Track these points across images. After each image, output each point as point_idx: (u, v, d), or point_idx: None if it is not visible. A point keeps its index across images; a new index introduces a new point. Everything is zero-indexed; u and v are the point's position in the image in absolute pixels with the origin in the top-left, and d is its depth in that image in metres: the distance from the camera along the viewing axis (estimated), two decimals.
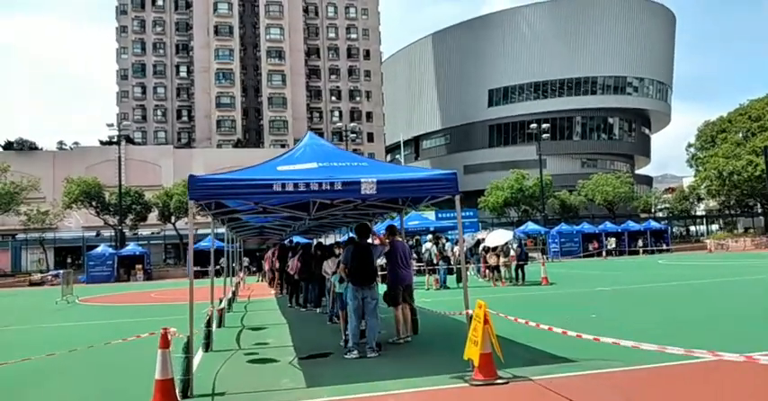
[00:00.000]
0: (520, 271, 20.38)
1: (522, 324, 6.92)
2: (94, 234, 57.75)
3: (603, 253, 46.12)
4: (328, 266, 11.88)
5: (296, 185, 6.84)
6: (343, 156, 8.06)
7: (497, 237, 20.48)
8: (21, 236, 54.69)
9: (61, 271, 47.84)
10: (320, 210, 9.71)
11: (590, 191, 60.09)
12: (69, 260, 56.54)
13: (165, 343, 5.92)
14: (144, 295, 24.66)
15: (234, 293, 18.82)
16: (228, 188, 6.71)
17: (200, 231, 40.83)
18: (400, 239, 9.72)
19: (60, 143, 71.66)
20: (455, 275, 20.56)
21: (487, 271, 21.55)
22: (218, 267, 30.26)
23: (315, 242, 19.27)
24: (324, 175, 7.06)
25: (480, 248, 21.15)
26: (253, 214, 10.01)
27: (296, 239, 28.85)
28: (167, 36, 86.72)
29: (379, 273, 8.96)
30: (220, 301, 12.19)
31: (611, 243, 48.81)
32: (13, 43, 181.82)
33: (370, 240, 8.74)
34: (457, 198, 7.35)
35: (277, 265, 20.32)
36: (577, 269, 28.68)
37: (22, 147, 67.34)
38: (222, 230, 19.74)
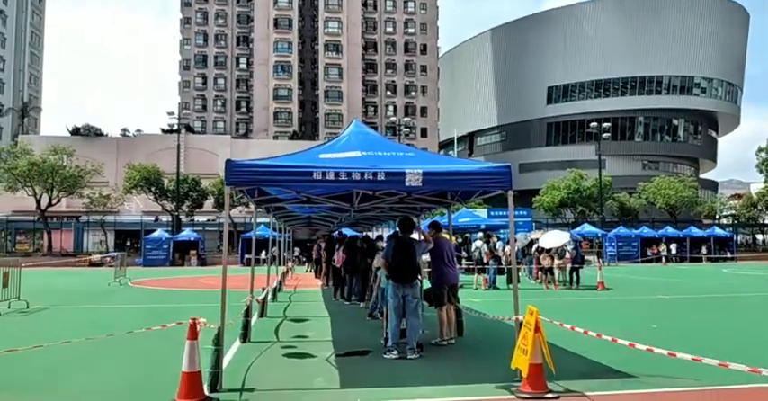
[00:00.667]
0: (575, 275, 19.52)
1: (579, 332, 6.33)
2: (153, 219, 59.31)
3: (663, 259, 44.26)
4: (377, 260, 11.52)
5: (337, 174, 6.44)
6: (389, 146, 7.62)
7: (553, 238, 19.63)
8: (84, 218, 56.69)
9: (117, 253, 49.85)
10: (363, 202, 9.28)
11: (651, 194, 57.75)
12: (129, 243, 58.29)
13: (194, 334, 5.64)
14: (194, 280, 24.95)
15: (280, 283, 18.71)
16: (267, 174, 6.37)
17: (254, 220, 41.23)
18: (446, 236, 9.22)
19: (124, 130, 73.95)
20: (505, 276, 19.87)
21: (540, 272, 20.76)
22: (267, 256, 30.54)
23: (363, 234, 18.96)
24: (367, 165, 6.64)
25: (533, 249, 20.37)
26: (297, 203, 9.69)
27: (345, 231, 28.74)
28: (228, 28, 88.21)
29: (424, 271, 8.50)
30: (263, 291, 11.98)
31: (672, 248, 46.81)
32: (84, 31, 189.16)
33: (414, 236, 8.26)
34: (510, 194, 6.79)
35: (324, 256, 20.11)
36: (636, 274, 27.44)
37: (89, 133, 69.76)
38: (267, 219, 19.69)
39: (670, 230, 49.37)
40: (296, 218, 16.02)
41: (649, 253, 46.79)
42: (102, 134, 71.38)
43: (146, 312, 13.62)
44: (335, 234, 22.05)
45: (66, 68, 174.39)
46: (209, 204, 55.22)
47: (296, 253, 43.30)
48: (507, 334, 8.38)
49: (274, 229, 30.04)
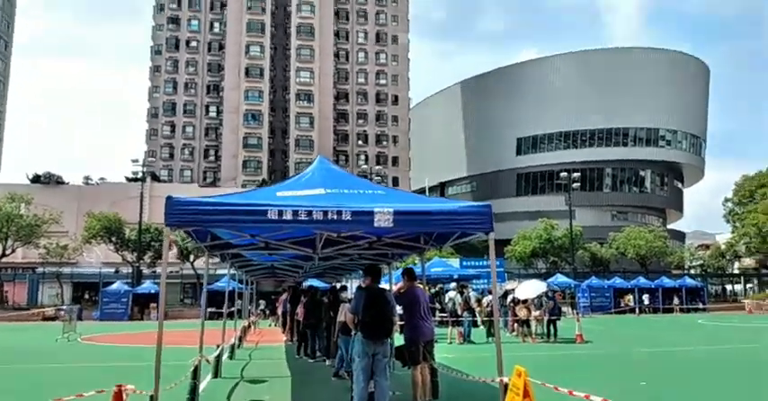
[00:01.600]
0: (552, 327, 18.64)
1: (565, 394, 5.41)
2: (113, 270, 57.07)
3: (637, 310, 43.71)
4: (341, 314, 10.54)
5: (296, 213, 5.59)
6: (357, 183, 6.83)
7: (529, 289, 18.82)
8: (40, 269, 54.25)
9: (65, 307, 47.38)
10: (327, 247, 8.37)
11: (622, 244, 57.78)
12: (87, 295, 55.81)
13: None
14: (149, 336, 23.27)
15: (240, 338, 17.42)
16: (214, 213, 5.48)
17: (219, 271, 39.74)
18: (420, 286, 8.33)
19: (87, 178, 72.06)
20: (483, 328, 18.90)
21: (515, 325, 19.84)
22: (231, 310, 29.01)
23: (331, 285, 17.90)
24: (331, 203, 5.81)
25: (509, 300, 19.53)
26: (253, 250, 8.73)
27: (312, 282, 27.54)
28: (199, 76, 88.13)
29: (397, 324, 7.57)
30: (217, 348, 10.84)
31: (645, 299, 46.39)
32: (51, 79, 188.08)
33: (384, 285, 7.36)
34: (491, 236, 6.01)
35: (289, 310, 18.93)
36: (611, 326, 26.69)
37: (49, 181, 67.77)
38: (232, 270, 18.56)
39: (642, 280, 49.03)
40: (257, 268, 14.95)
41: (622, 304, 46.35)
42: (62, 182, 69.43)
43: (87, 372, 12.26)
44: (304, 285, 20.97)
45: (31, 116, 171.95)
46: (172, 255, 53.41)
47: (261, 307, 41.65)
48: (488, 395, 7.43)
49: (240, 281, 28.88)
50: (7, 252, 49.20)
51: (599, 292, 46.26)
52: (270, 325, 30.84)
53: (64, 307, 47.08)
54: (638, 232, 58.80)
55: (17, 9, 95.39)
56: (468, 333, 18.44)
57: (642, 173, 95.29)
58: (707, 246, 78.19)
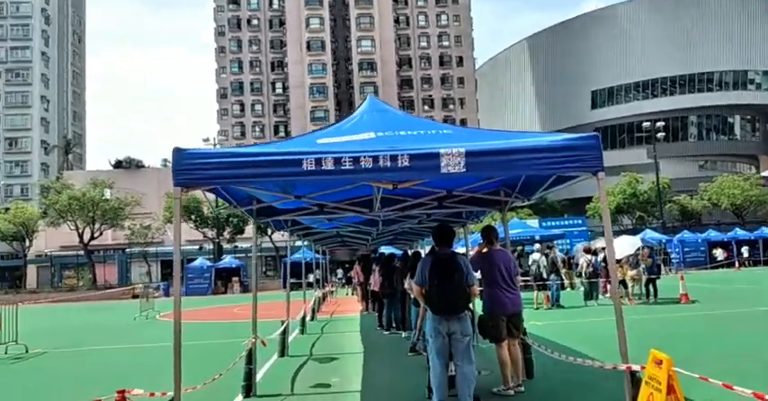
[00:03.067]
0: (651, 287, 16.85)
1: (716, 386, 4.02)
2: (197, 247, 58.56)
3: (737, 264, 40.52)
4: (408, 282, 9.44)
5: (338, 160, 4.41)
6: (416, 123, 5.54)
7: (624, 246, 17.02)
8: (129, 250, 56.47)
9: (161, 284, 48.93)
10: (387, 206, 7.16)
11: (714, 195, 53.74)
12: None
13: None
14: (227, 311, 23.18)
15: (314, 310, 16.71)
16: (233, 166, 4.40)
17: (298, 243, 39.68)
18: (502, 248, 7.02)
19: (165, 160, 73.99)
20: (576, 291, 17.32)
21: (608, 286, 18.12)
22: (309, 281, 28.63)
23: (403, 252, 16.85)
24: (384, 146, 4.58)
25: (600, 259, 17.79)
26: (307, 215, 7.63)
27: (385, 250, 26.63)
28: (263, 54, 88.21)
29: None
30: (282, 324, 9.97)
31: (744, 252, 43.04)
32: (123, 68, 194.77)
33: (460, 250, 6.10)
34: (600, 178, 4.63)
35: (361, 278, 18.09)
36: (712, 282, 24.36)
37: (129, 166, 70.16)
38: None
39: (739, 232, 45.61)
40: (323, 237, 14.03)
41: (718, 258, 43.21)
42: (142, 166, 71.71)
43: (151, 354, 11.78)
44: (377, 253, 20.06)
45: (109, 105, 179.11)
46: (249, 229, 54.12)
47: (338, 276, 41.41)
48: (597, 374, 6.14)
49: (317, 252, 28.39)
50: (96, 235, 51.24)
51: (693, 247, 43.27)
52: (347, 295, 30.30)
53: (158, 285, 49.05)
54: (732, 181, 54.51)
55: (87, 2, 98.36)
56: (557, 297, 16.95)
57: (731, 119, 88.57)
58: None
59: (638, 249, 16.87)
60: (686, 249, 43.25)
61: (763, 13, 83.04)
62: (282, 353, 10.00)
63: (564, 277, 17.73)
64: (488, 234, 6.85)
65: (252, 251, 9.58)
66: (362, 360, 9.40)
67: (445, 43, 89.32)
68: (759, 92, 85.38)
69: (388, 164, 4.44)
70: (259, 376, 8.28)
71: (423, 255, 6.77)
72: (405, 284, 9.57)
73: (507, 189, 6.96)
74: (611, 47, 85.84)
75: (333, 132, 5.30)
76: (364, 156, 4.44)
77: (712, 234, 45.46)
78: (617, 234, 44.59)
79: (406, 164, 4.45)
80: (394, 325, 12.63)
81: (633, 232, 46.84)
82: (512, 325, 6.59)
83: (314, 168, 4.42)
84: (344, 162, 4.43)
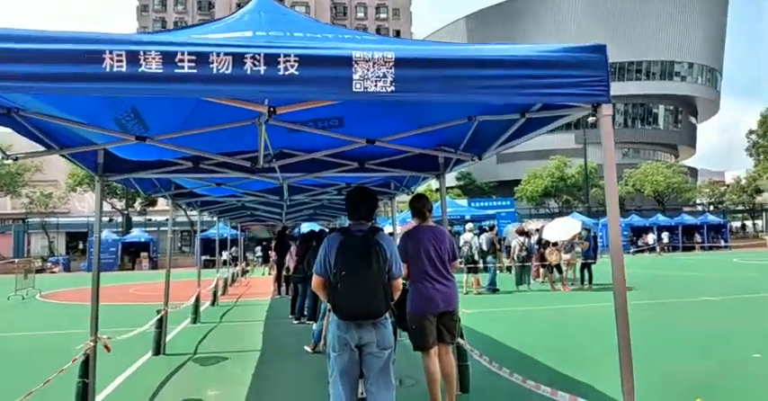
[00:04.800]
0: (586, 272, 15.71)
1: None
2: (107, 219, 54.50)
3: (658, 250, 41.14)
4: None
5: (170, 58, 2.45)
6: (326, 29, 3.60)
7: (562, 229, 15.77)
8: (32, 220, 51.83)
9: (60, 258, 45.07)
10: (285, 163, 5.14)
11: (638, 181, 54.65)
12: (81, 246, 53.55)
13: None
14: (122, 290, 20.61)
15: (215, 294, 14.59)
16: None
17: (207, 218, 37.19)
18: (431, 223, 5.21)
19: None
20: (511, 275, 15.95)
21: (541, 270, 16.94)
22: (223, 258, 26.32)
23: (320, 229, 14.95)
24: (259, 42, 2.64)
25: (533, 241, 16.50)
26: (176, 173, 5.53)
27: (309, 227, 24.65)
28: None
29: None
30: (158, 314, 7.92)
31: (664, 237, 43.89)
32: None
33: (386, 229, 4.28)
34: (604, 111, 2.89)
35: (274, 257, 16.10)
36: (642, 268, 23.84)
37: None
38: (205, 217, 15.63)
39: (661, 218, 46.56)
40: (227, 209, 11.93)
41: (640, 243, 43.97)
42: None
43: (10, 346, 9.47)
44: (298, 230, 18.06)
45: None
46: (163, 202, 50.67)
47: (257, 254, 39.13)
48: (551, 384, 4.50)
49: (234, 228, 26.07)
50: None
51: None
52: (263, 274, 28.17)
53: (57, 259, 45.04)
54: (656, 168, 55.62)
55: None
56: (493, 280, 15.39)
57: (655, 109, 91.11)
58: (717, 183, 74.93)
59: (580, 232, 15.66)
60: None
61: (693, 6, 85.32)
62: (158, 351, 7.97)
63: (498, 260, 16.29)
64: (418, 204, 5.04)
65: (160, 226, 7.52)
66: (257, 361, 7.50)
67: (383, 16, 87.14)
68: (683, 83, 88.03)
69: (261, 69, 2.51)
70: (113, 384, 6.29)
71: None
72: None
73: (449, 147, 5.17)
74: (545, 30, 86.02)
75: (191, 30, 3.30)
76: (218, 54, 2.50)
77: (635, 219, 46.13)
78: (543, 217, 44.47)
79: (293, 71, 2.54)
80: (306, 313, 10.77)
81: (559, 215, 46.88)
82: (443, 327, 4.85)
83: (125, 70, 2.44)
84: (181, 61, 2.47)
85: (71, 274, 37.67)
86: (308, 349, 7.82)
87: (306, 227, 26.02)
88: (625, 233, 44.17)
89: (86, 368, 5.04)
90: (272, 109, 2.87)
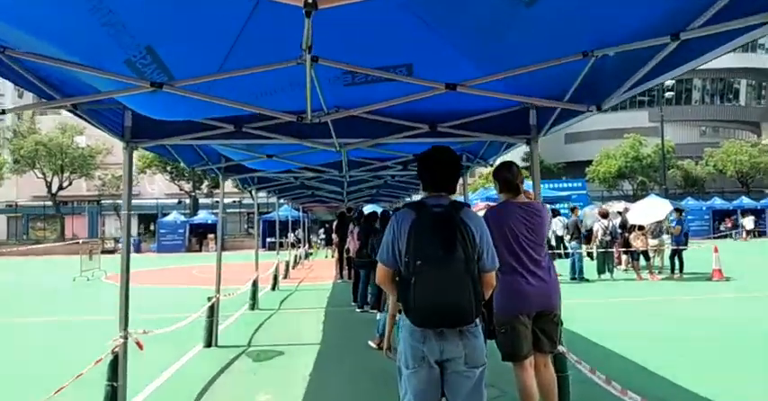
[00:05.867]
0: (677, 259, 14.19)
1: None
2: (176, 201, 55.68)
3: (744, 235, 38.26)
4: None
5: None
6: None
7: (651, 211, 14.25)
8: (104, 202, 53.51)
9: (133, 238, 46.14)
10: (337, 115, 4.20)
11: (720, 162, 51.17)
12: (152, 227, 55.01)
13: None
14: (184, 272, 20.46)
15: (275, 278, 13.99)
16: None
17: (273, 200, 37.15)
18: (528, 199, 4.15)
19: None
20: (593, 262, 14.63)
21: (624, 258, 15.48)
22: (287, 240, 25.95)
23: (384, 210, 14.07)
24: None
25: (616, 225, 15.02)
26: (214, 139, 4.67)
27: (370, 209, 23.88)
28: None
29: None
30: (209, 301, 7.23)
31: (749, 222, 40.82)
32: None
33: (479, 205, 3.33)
34: None
35: (336, 241, 15.37)
36: (732, 254, 21.81)
37: None
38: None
39: (745, 201, 43.44)
40: (287, 187, 11.19)
41: (722, 228, 41.08)
42: None
43: (61, 333, 9.09)
44: (357, 212, 17.20)
45: None
46: (230, 184, 51.04)
47: (320, 236, 38.77)
48: None
49: (297, 210, 25.62)
50: (64, 184, 48.13)
51: (697, 215, 40.81)
52: (326, 257, 27.67)
53: (121, 240, 46.26)
54: (740, 146, 51.94)
55: None
56: (580, 268, 14.02)
57: (736, 84, 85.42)
58: None
59: (670, 213, 14.13)
60: (689, 217, 40.89)
61: None
62: (209, 343, 7.29)
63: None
64: (507, 174, 3.98)
65: (226, 208, 6.90)
66: (315, 357, 6.68)
67: None
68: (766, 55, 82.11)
69: None
70: (155, 383, 5.62)
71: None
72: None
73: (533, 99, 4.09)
74: None
75: None
76: None
77: (717, 202, 43.25)
78: (616, 199, 42.18)
79: None
80: (369, 301, 9.93)
81: (635, 198, 44.42)
82: (541, 331, 3.83)
83: None
84: None
85: (141, 255, 38.46)
86: (372, 344, 6.96)
87: (367, 209, 25.35)
88: (705, 217, 41.47)
89: (115, 369, 4.31)
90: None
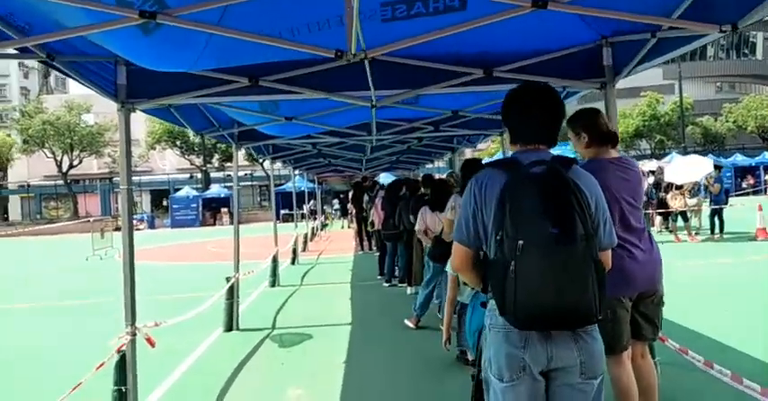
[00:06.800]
0: (717, 219, 13.36)
1: None
2: (188, 176, 55.23)
3: (765, 191, 37.29)
4: (423, 218, 6.00)
5: None
6: None
7: (690, 168, 13.36)
8: (116, 179, 53.17)
9: (145, 216, 45.82)
10: (380, 50, 3.41)
11: (740, 117, 49.72)
12: (165, 203, 54.78)
13: None
14: (200, 248, 19.93)
15: (295, 251, 13.36)
16: None
17: (285, 172, 36.54)
18: (625, 158, 3.37)
19: None
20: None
21: (657, 218, 14.70)
22: (301, 212, 25.39)
23: (405, 178, 13.34)
24: None
25: (651, 184, 14.17)
26: (232, 95, 3.94)
27: (386, 177, 23.18)
28: None
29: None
30: (228, 282, 6.59)
31: None
32: None
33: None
34: None
35: (353, 211, 14.68)
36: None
37: None
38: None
39: None
40: (302, 155, 10.44)
41: (744, 185, 40.08)
42: None
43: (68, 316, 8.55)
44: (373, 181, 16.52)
45: None
46: (241, 156, 50.41)
47: (334, 207, 38.18)
48: None
49: (312, 181, 24.95)
50: (74, 163, 47.70)
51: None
52: (342, 228, 27.09)
53: (142, 217, 45.88)
54: (761, 101, 50.42)
55: None
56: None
57: (753, 38, 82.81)
58: None
59: (709, 175, 13.26)
60: None
61: None
62: (230, 327, 6.67)
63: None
64: (601, 120, 3.21)
65: (238, 182, 6.46)
66: (348, 340, 6.05)
67: None
68: None
69: None
70: (171, 377, 5.01)
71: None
72: (417, 225, 6.11)
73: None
74: None
75: None
76: None
77: (739, 158, 42.09)
78: (636, 159, 41.08)
79: None
80: (397, 274, 9.27)
81: (653, 157, 43.28)
82: (641, 316, 3.12)
83: None
84: None
85: (155, 231, 38.21)
86: (409, 324, 6.31)
87: (383, 178, 24.60)
88: (728, 174, 40.35)
89: (123, 370, 3.67)
90: None
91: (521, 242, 1.95)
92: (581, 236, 1.97)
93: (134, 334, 3.79)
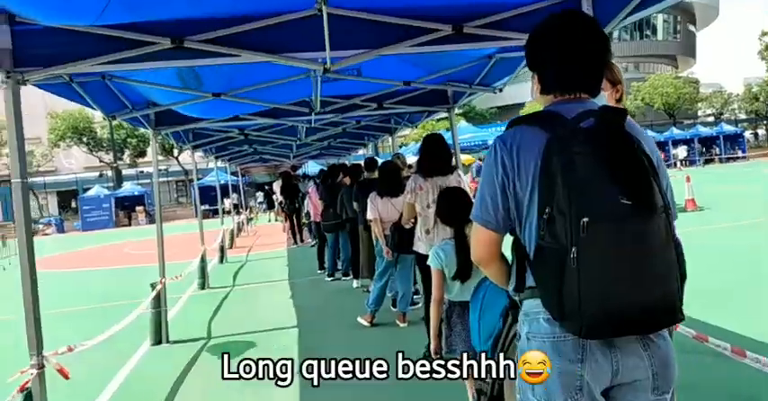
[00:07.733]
0: None
1: None
2: (98, 175, 52.11)
3: (678, 164, 39.21)
4: (374, 205, 5.43)
5: None
6: None
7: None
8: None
9: (53, 219, 42.87)
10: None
11: (647, 95, 52.07)
12: (74, 204, 51.47)
13: None
14: (115, 251, 18.50)
15: (222, 249, 12.46)
16: None
17: (210, 165, 34.94)
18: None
19: None
20: None
21: None
22: (223, 206, 24.16)
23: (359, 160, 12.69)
24: None
25: None
26: (158, 63, 3.23)
27: (313, 166, 22.47)
28: None
29: None
30: (152, 290, 5.76)
31: (682, 151, 41.99)
32: None
33: None
34: None
35: (281, 202, 13.90)
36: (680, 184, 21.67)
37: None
38: (220, 164, 13.39)
39: (675, 131, 44.66)
40: (227, 142, 9.58)
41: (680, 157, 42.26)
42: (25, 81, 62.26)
43: None
44: (303, 169, 15.83)
45: None
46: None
47: (259, 200, 36.90)
48: None
49: (233, 174, 23.74)
50: None
51: None
52: (269, 221, 26.09)
53: (49, 220, 42.81)
54: (665, 79, 53.01)
55: None
56: None
57: (653, 20, 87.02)
58: (720, 93, 72.00)
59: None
60: None
61: None
62: (158, 339, 5.87)
63: None
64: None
65: (160, 175, 5.40)
66: (298, 345, 5.40)
67: None
68: None
69: None
70: None
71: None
72: (369, 214, 5.50)
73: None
74: None
75: None
76: None
77: (649, 134, 44.08)
78: None
79: None
80: (340, 267, 8.65)
81: None
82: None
83: None
84: None
85: (65, 235, 35.73)
86: (363, 322, 5.72)
87: (310, 167, 23.80)
88: None
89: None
90: None
91: (585, 219, 1.40)
92: (660, 207, 1.46)
93: (41, 367, 3.01)
